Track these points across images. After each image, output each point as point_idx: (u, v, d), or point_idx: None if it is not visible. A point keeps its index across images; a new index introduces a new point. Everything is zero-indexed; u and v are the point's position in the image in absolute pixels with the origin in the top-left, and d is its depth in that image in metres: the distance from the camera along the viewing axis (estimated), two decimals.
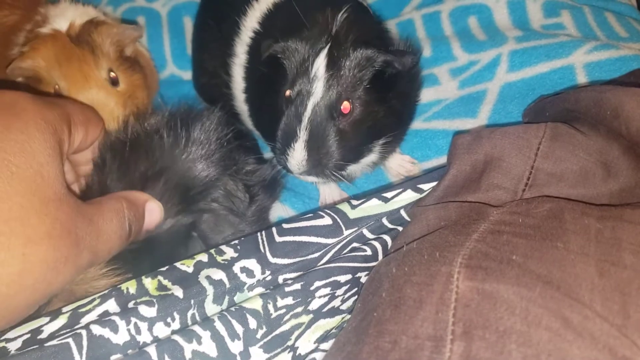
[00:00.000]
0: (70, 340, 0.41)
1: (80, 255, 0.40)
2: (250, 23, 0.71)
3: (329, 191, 0.72)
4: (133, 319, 0.43)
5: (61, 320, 0.43)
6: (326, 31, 0.58)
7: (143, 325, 0.43)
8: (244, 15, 0.71)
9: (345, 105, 0.57)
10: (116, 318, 0.43)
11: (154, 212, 0.50)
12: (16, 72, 0.69)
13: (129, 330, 0.43)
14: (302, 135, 0.56)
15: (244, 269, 0.48)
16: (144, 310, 0.44)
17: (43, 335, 0.42)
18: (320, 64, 0.56)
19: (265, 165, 0.65)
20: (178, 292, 0.45)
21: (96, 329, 0.42)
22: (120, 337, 0.42)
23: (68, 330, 0.43)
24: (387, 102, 0.60)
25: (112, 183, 0.51)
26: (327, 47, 0.57)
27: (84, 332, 0.41)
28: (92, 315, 0.44)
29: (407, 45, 0.66)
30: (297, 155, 0.57)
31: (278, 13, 0.69)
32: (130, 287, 0.46)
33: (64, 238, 0.39)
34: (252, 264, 0.49)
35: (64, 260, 0.39)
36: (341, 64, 0.56)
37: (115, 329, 0.42)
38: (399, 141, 0.69)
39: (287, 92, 0.58)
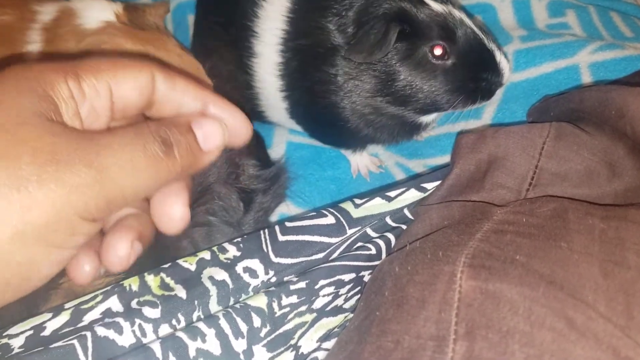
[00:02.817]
0: (75, 342, 0.41)
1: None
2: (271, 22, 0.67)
3: (360, 158, 0.72)
4: (137, 321, 0.43)
5: (64, 317, 0.43)
6: None
7: (148, 327, 0.43)
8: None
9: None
10: (120, 319, 0.43)
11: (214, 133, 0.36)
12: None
13: (133, 332, 0.43)
14: (493, 47, 0.62)
15: (247, 269, 0.48)
16: (148, 311, 0.44)
17: (46, 333, 0.42)
18: (456, 12, 0.63)
19: (270, 168, 0.64)
20: (181, 292, 0.45)
21: (101, 331, 0.42)
22: (125, 339, 0.42)
23: (71, 328, 0.43)
24: None
25: None
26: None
27: (88, 334, 0.41)
28: (95, 313, 0.44)
29: None
30: (504, 59, 0.62)
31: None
32: (133, 284, 0.46)
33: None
34: (255, 263, 0.49)
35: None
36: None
37: (119, 330, 0.42)
38: None
39: (439, 51, 0.61)
